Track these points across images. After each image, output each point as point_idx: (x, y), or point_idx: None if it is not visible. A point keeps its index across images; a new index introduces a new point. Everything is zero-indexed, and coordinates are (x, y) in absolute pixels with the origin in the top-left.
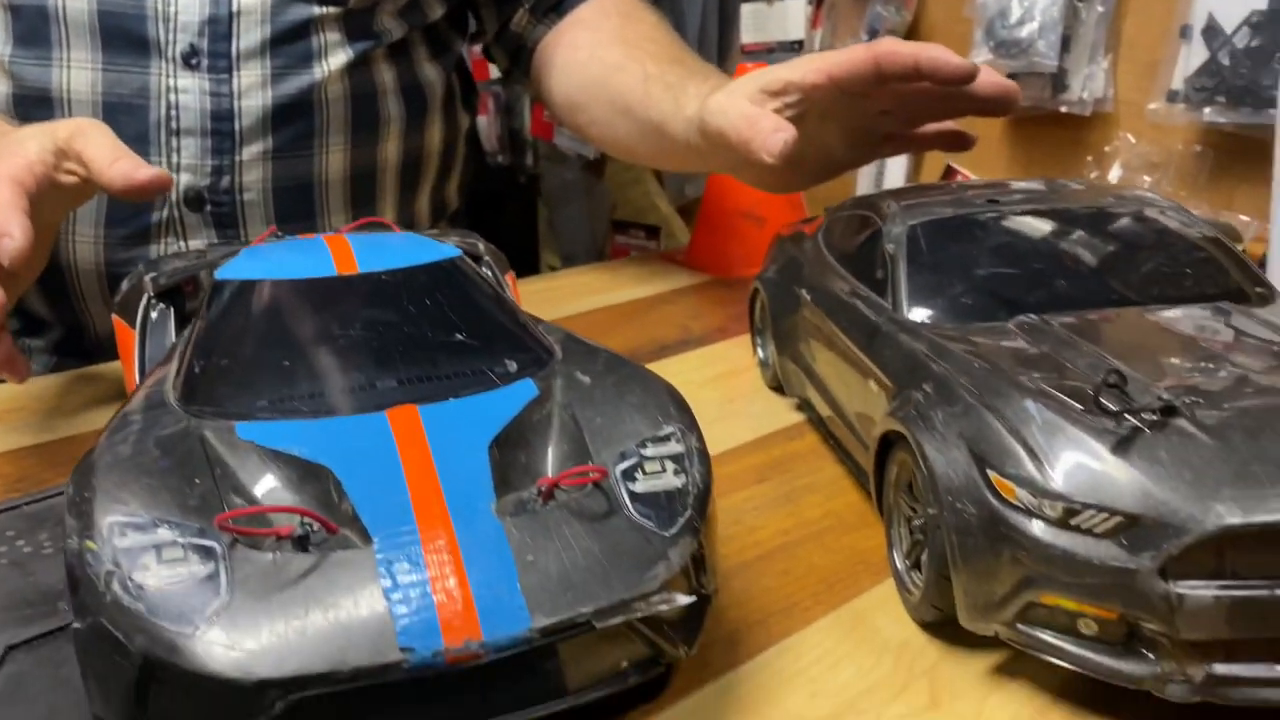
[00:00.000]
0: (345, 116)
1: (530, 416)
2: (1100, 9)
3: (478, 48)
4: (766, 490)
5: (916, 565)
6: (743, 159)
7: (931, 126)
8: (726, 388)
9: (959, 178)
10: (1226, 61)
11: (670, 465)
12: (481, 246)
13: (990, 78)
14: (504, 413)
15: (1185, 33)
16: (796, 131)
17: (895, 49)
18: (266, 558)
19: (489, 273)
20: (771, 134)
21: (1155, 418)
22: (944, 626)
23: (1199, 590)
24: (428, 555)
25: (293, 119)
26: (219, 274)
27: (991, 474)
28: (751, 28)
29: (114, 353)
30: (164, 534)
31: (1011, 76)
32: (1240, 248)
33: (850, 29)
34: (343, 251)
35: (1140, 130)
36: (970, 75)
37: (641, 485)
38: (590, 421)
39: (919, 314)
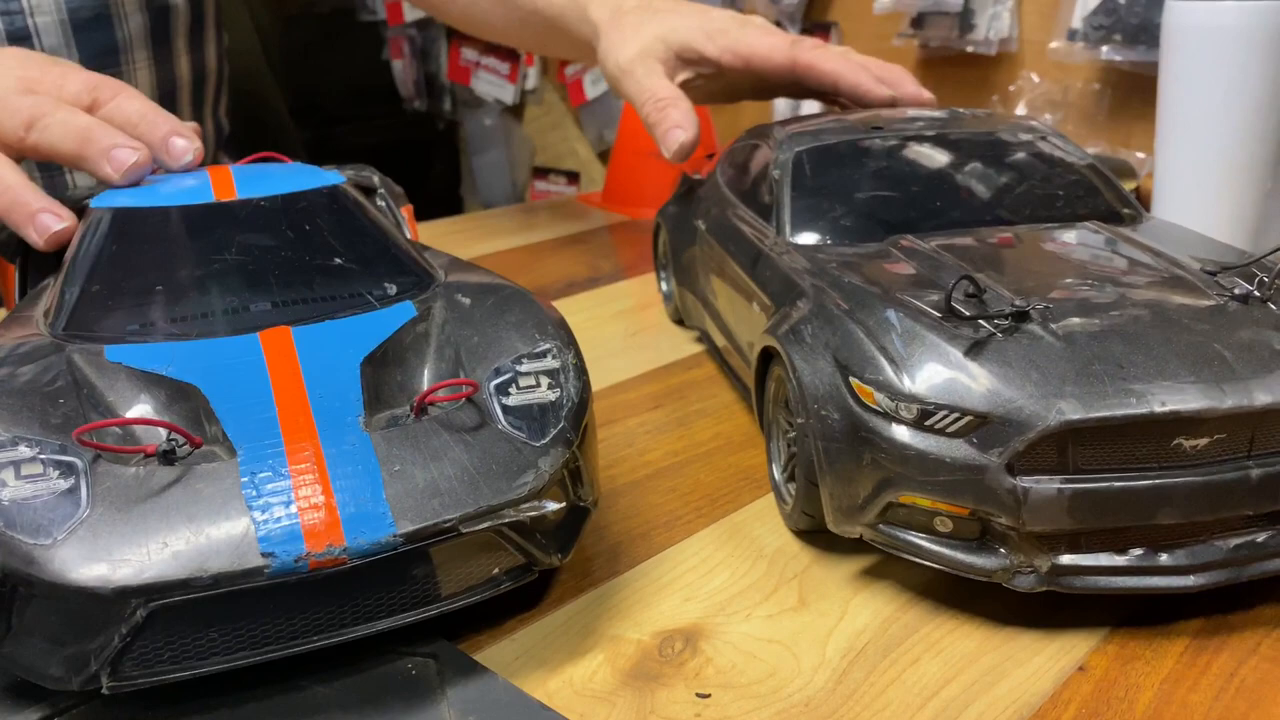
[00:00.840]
0: (144, 32)
1: (407, 336)
2: None
3: None
4: (660, 416)
5: (792, 477)
6: None
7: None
8: (631, 321)
9: None
10: (1122, 0)
11: (545, 380)
12: (376, 179)
13: (913, 95)
14: (379, 333)
15: None
16: (697, 130)
17: (816, 64)
18: (129, 472)
19: (382, 204)
20: (672, 129)
21: (1007, 323)
22: (816, 535)
23: (1043, 484)
24: (292, 466)
25: (91, 33)
26: (94, 202)
27: (854, 381)
28: None
29: None
30: (23, 451)
31: (919, 17)
32: (1134, 184)
33: None
34: (223, 180)
35: (1044, 69)
36: (888, 105)
37: (514, 399)
38: (467, 340)
39: (801, 236)
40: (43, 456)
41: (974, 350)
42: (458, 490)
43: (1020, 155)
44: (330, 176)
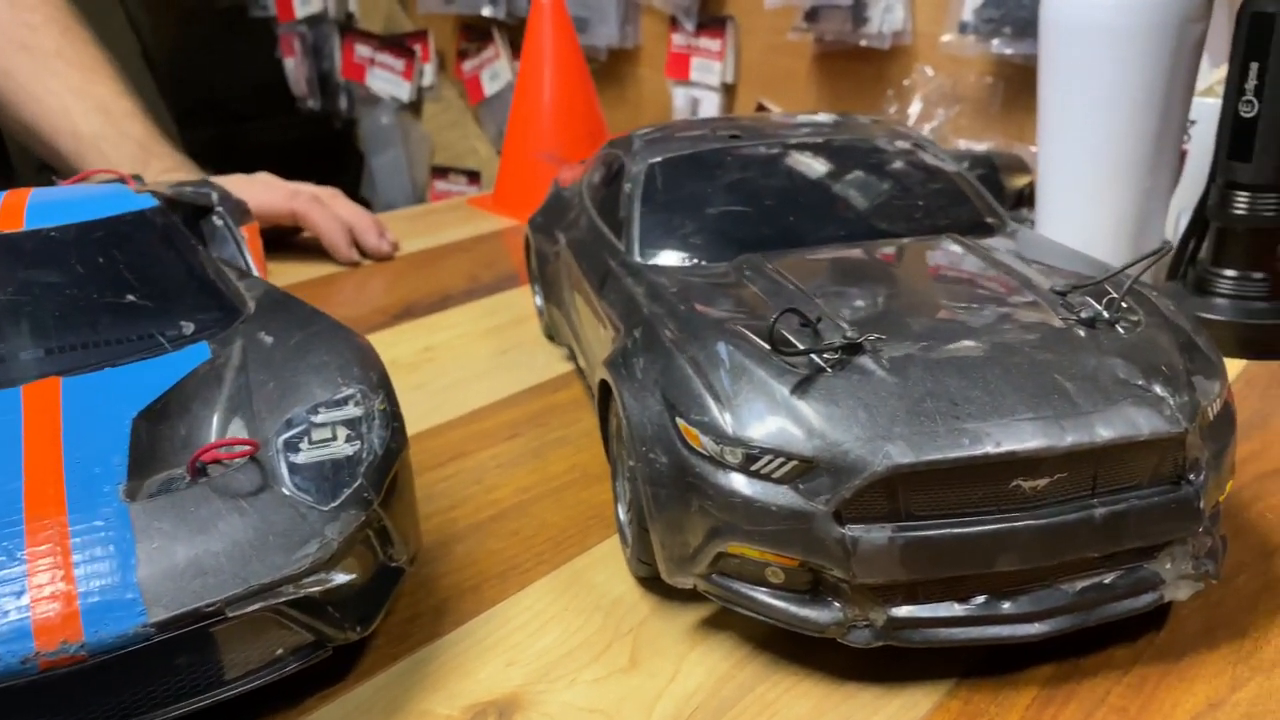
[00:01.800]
0: None
1: (194, 383)
2: None
3: None
4: (516, 446)
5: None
6: None
7: None
8: (504, 338)
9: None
10: None
11: (343, 431)
12: (215, 196)
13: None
14: (163, 381)
15: None
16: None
17: (306, 215)
18: None
19: (219, 223)
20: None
21: (838, 356)
22: (659, 581)
23: (873, 534)
24: (30, 550)
25: None
26: None
27: (680, 422)
28: None
29: None
30: None
31: (812, 11)
32: (1028, 179)
33: None
34: (13, 207)
35: (937, 63)
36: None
37: (305, 455)
38: (262, 386)
39: (649, 256)
40: None
41: (801, 387)
42: (225, 568)
43: (886, 165)
44: (140, 200)
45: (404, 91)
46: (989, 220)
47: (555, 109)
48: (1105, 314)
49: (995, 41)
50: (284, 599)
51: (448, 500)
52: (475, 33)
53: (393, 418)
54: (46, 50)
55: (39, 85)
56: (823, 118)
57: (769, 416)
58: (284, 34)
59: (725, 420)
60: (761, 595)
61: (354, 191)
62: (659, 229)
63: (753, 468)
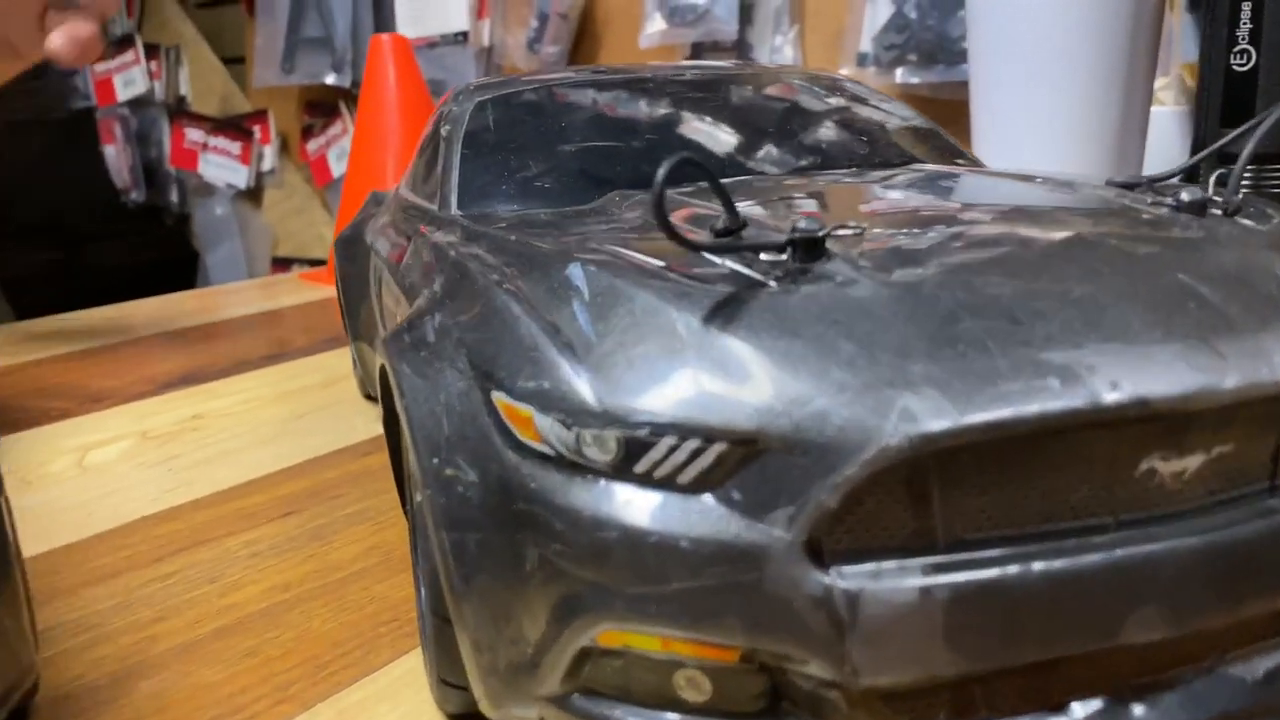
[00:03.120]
0: None
1: None
2: None
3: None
4: (288, 527)
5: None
6: None
7: None
8: (304, 401)
9: None
10: (914, 14)
11: None
12: None
13: None
14: None
15: None
16: None
17: None
18: None
19: None
20: None
21: (784, 260)
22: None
23: (886, 580)
24: None
25: None
26: None
27: (498, 398)
28: (409, 20)
29: None
30: None
31: (695, 48)
32: None
33: (520, 16)
34: None
35: None
36: None
37: None
38: None
39: (471, 206)
40: None
41: (723, 314)
42: None
43: (800, 101)
44: None
45: (241, 178)
46: (960, 161)
47: (401, 164)
48: (1219, 199)
49: (900, 71)
50: None
51: (150, 610)
52: (320, 108)
53: None
54: None
55: None
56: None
57: (664, 367)
58: (104, 119)
59: (583, 383)
60: None
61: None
62: (485, 173)
63: (640, 466)
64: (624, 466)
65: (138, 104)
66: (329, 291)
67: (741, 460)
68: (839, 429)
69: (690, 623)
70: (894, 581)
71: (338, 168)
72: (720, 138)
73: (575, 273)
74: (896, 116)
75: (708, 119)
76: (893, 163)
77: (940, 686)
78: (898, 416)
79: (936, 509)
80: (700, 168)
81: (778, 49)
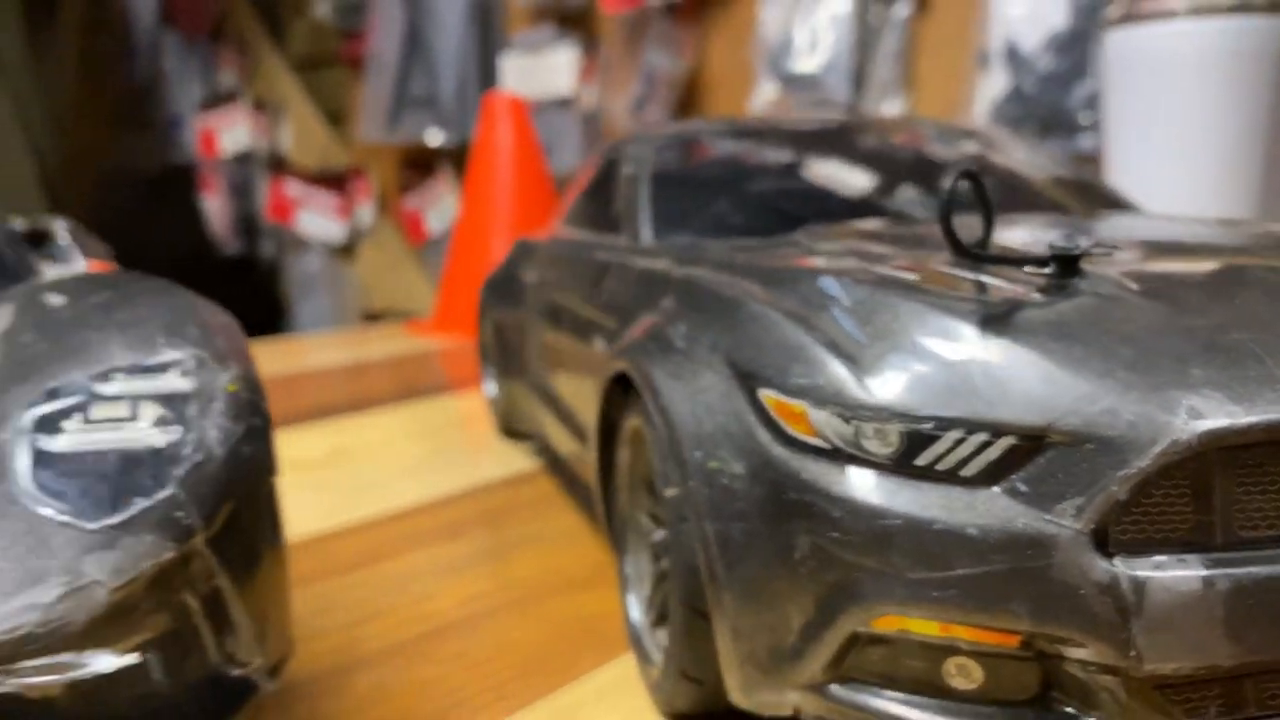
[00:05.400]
0: None
1: None
2: (893, 44)
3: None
4: (462, 548)
5: (663, 617)
6: None
7: None
8: (441, 439)
9: None
10: (1031, 87)
11: (151, 411)
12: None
13: None
14: None
15: (984, 60)
16: None
17: None
18: None
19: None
20: None
21: (1046, 275)
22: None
23: (1171, 570)
24: None
25: None
26: None
27: (765, 395)
28: (516, 82)
29: None
30: None
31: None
32: None
33: (623, 80)
34: None
35: None
36: None
37: (69, 441)
38: (21, 350)
39: (666, 237)
40: None
41: (998, 322)
42: None
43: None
44: None
45: (337, 233)
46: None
47: (513, 219)
48: None
49: None
50: None
51: (350, 613)
52: (419, 166)
53: (250, 410)
54: None
55: None
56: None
57: (943, 367)
58: (206, 173)
59: (859, 380)
60: (934, 715)
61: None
62: (675, 207)
63: (921, 459)
64: (905, 459)
65: (239, 158)
66: (434, 343)
67: (1028, 454)
68: (1129, 424)
69: (975, 606)
70: (1178, 571)
71: (434, 225)
72: (887, 181)
73: (828, 284)
74: (1061, 168)
75: (873, 165)
76: (1070, 209)
77: (1213, 680)
78: (1186, 414)
79: (1217, 505)
80: (977, 182)
81: (884, 112)
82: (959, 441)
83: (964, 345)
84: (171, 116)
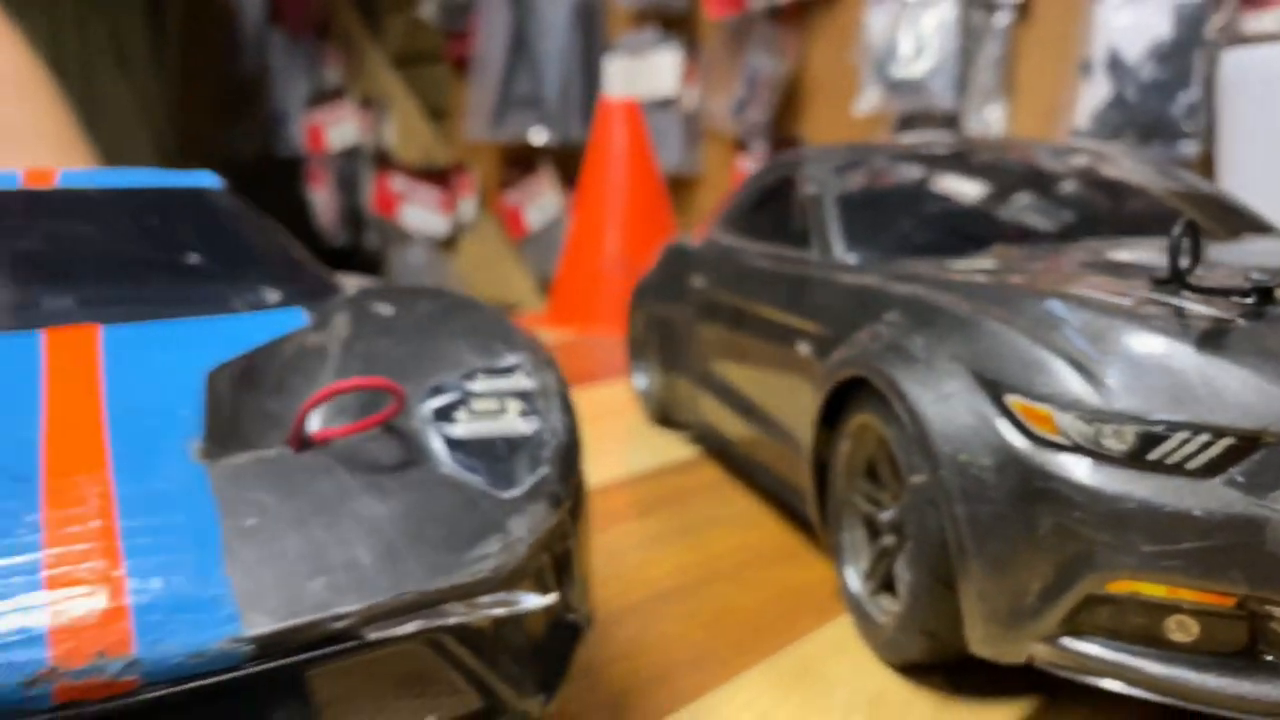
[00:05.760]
0: None
1: (289, 350)
2: (994, 51)
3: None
4: (656, 525)
5: (885, 586)
6: None
7: None
8: (597, 427)
9: None
10: (1133, 95)
11: (515, 405)
12: None
13: None
14: (243, 340)
15: (1086, 68)
16: None
17: None
18: None
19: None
20: None
21: (1251, 302)
22: (929, 672)
23: None
24: (51, 510)
25: None
26: None
27: (1013, 400)
28: (619, 84)
29: None
30: None
31: (907, 119)
32: None
33: (725, 83)
34: (41, 173)
35: None
36: None
37: (465, 428)
38: (386, 353)
39: (856, 254)
40: None
41: (1212, 342)
42: (364, 563)
43: (1096, 173)
44: (201, 178)
45: (440, 226)
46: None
47: (626, 216)
48: None
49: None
50: (451, 621)
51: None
52: (520, 164)
53: (569, 406)
54: None
55: None
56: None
57: (1168, 380)
58: (314, 167)
59: (1096, 390)
60: (1156, 664)
61: None
62: (862, 226)
63: (1152, 454)
64: (1138, 454)
65: (346, 153)
66: (554, 335)
67: (1244, 452)
68: None
69: (1200, 573)
70: None
71: (534, 220)
72: (1054, 205)
73: (1056, 306)
74: (1204, 188)
75: (1042, 188)
76: (1218, 234)
77: None
78: None
79: None
80: (1195, 231)
81: (988, 122)
82: (1185, 441)
83: (1184, 361)
84: (277, 111)
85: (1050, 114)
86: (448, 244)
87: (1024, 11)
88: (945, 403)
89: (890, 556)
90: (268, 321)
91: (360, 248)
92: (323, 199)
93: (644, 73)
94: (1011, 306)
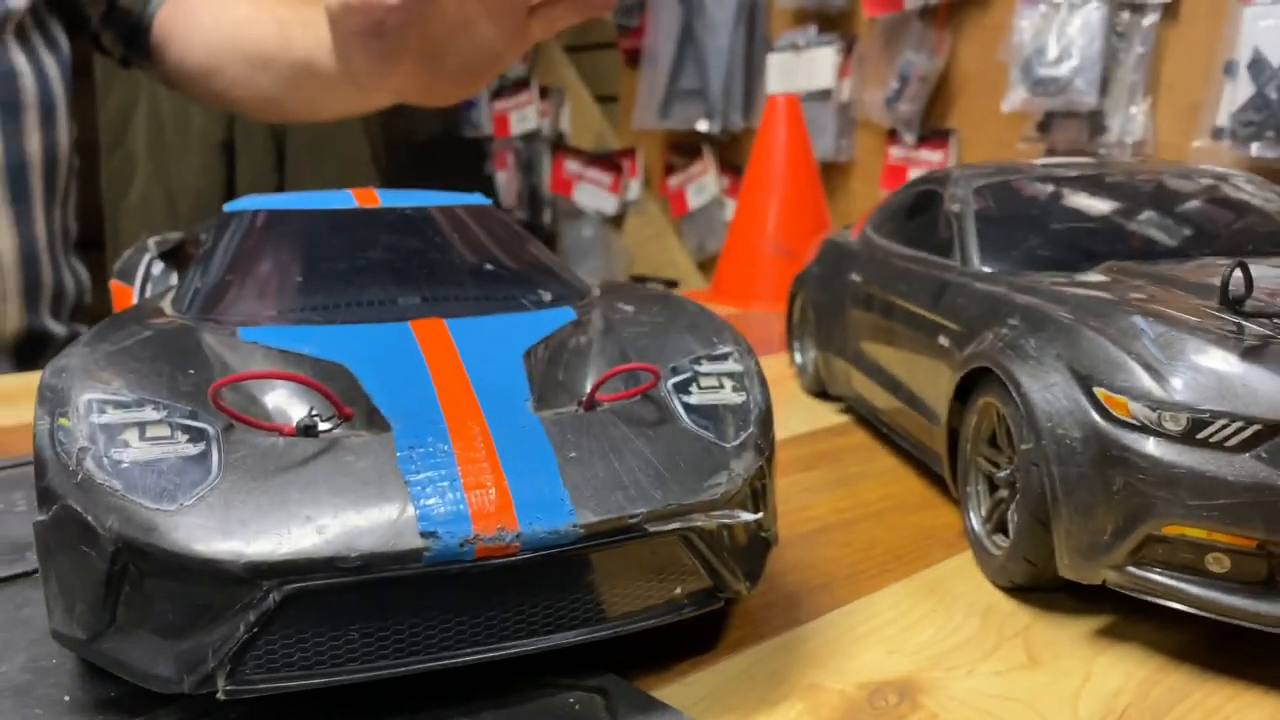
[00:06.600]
0: None
1: (567, 338)
2: (1140, 50)
3: (500, 102)
4: (816, 476)
5: (998, 528)
6: (377, 42)
7: None
8: None
9: None
10: (1275, 95)
11: (729, 382)
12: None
13: None
14: (537, 331)
15: (1230, 69)
16: None
17: None
18: (268, 440)
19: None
20: None
21: None
22: (1032, 593)
23: None
24: (456, 441)
25: None
26: (227, 207)
27: (1099, 391)
28: (779, 77)
29: None
30: (150, 413)
31: (1048, 116)
32: None
33: (879, 77)
34: (366, 194)
35: None
36: None
37: (697, 398)
38: (635, 341)
39: (991, 265)
40: (171, 420)
41: (1254, 354)
42: (643, 484)
43: (1220, 195)
44: (474, 197)
45: (609, 205)
46: None
47: (785, 204)
48: None
49: (1255, 146)
50: (697, 524)
51: None
52: (684, 149)
53: (765, 382)
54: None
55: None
56: (1120, 159)
57: (1217, 380)
58: (499, 149)
59: (1162, 385)
60: (1197, 587)
61: None
62: (998, 241)
63: (1200, 435)
64: (1190, 434)
65: (527, 138)
66: (716, 310)
67: (1270, 435)
68: None
69: (1231, 522)
70: None
71: (694, 201)
72: (1170, 225)
73: (1139, 321)
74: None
75: (1162, 209)
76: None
77: None
78: None
79: None
80: (1246, 271)
81: (1131, 118)
82: (1224, 426)
83: (1230, 365)
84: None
85: (1192, 112)
86: (615, 221)
87: (1171, 12)
88: (1049, 390)
89: (1004, 505)
90: (549, 317)
91: (538, 223)
92: (505, 179)
93: (802, 67)
94: (1105, 318)
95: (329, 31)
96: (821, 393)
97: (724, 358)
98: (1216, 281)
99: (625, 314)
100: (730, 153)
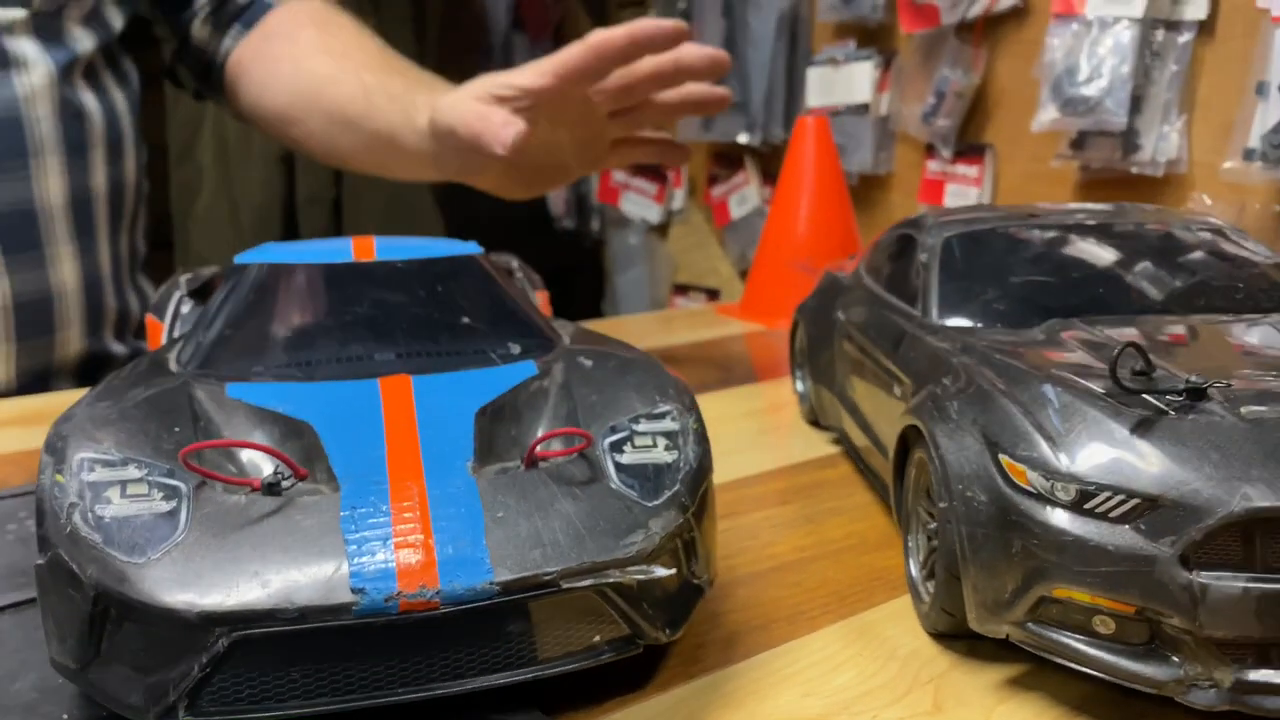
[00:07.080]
0: (57, 136)
1: (525, 393)
2: (1174, 68)
3: None
4: (788, 511)
5: (932, 573)
6: (473, 159)
7: (650, 133)
8: (762, 421)
9: None
10: None
11: (662, 441)
12: (515, 264)
13: (697, 49)
14: (497, 387)
15: (1262, 89)
16: (526, 125)
17: (609, 34)
18: (231, 499)
19: (520, 276)
20: (502, 127)
21: (1181, 400)
22: (957, 639)
23: (1225, 581)
24: (394, 504)
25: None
26: (237, 259)
27: (1003, 458)
28: (818, 91)
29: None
30: (132, 471)
31: (1080, 137)
32: None
33: (917, 92)
34: (364, 245)
35: (1216, 191)
36: (680, 30)
37: (628, 457)
38: (585, 399)
39: (948, 318)
40: (149, 478)
41: (1142, 428)
42: (562, 543)
43: (1194, 249)
44: (468, 246)
45: (654, 214)
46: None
47: (812, 223)
48: None
49: None
50: (611, 580)
51: (725, 550)
52: (726, 160)
53: (704, 438)
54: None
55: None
56: (1122, 206)
57: (1107, 454)
58: None
59: (1056, 456)
60: (1087, 646)
61: (597, 304)
62: (959, 294)
63: (1087, 505)
64: (1078, 504)
65: None
66: (744, 327)
67: (1147, 508)
68: (1205, 499)
69: (1108, 590)
70: (1228, 582)
71: (737, 211)
72: (1115, 279)
73: (1048, 390)
74: (1265, 268)
75: (1115, 260)
76: (1256, 311)
77: (1249, 644)
78: (1240, 497)
79: (1259, 548)
80: (1142, 354)
81: (1164, 137)
82: (1108, 498)
83: (1120, 440)
84: None
85: (1225, 131)
86: (660, 230)
87: (1207, 29)
88: (962, 453)
89: (935, 555)
90: (512, 372)
91: (586, 230)
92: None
93: (840, 81)
94: (1020, 385)
95: (423, 123)
96: (816, 423)
97: (661, 416)
98: (1162, 338)
99: (583, 369)
100: (772, 164)
